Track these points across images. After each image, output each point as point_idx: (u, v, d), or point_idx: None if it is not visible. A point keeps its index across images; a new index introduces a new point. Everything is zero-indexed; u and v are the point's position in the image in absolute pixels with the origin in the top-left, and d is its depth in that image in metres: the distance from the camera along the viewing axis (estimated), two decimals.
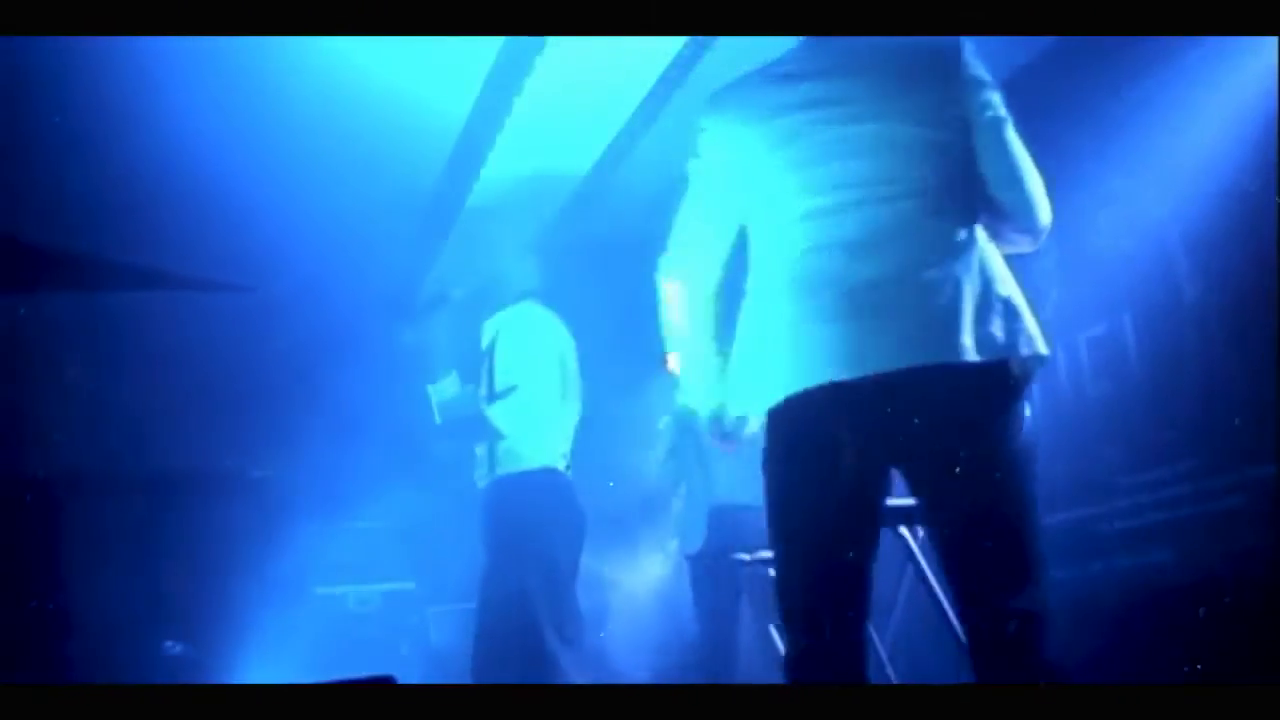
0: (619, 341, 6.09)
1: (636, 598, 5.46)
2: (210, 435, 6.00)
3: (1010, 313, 2.14)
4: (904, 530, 4.27)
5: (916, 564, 4.22)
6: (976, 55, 2.25)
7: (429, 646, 6.10)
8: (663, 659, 5.02)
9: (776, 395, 2.19)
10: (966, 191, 2.21)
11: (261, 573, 5.61)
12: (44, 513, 5.82)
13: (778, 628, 2.33)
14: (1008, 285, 2.18)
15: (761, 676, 4.72)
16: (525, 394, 3.98)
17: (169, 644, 5.73)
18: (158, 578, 5.86)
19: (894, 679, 3.54)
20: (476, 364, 4.20)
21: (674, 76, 4.60)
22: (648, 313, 6.28)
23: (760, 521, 5.27)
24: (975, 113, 2.21)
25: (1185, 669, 3.36)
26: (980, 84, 2.23)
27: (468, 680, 3.98)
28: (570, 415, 4.10)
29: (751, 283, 2.31)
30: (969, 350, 2.06)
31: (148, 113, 4.39)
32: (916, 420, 2.09)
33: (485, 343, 4.16)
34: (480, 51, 4.43)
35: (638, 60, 4.54)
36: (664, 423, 5.24)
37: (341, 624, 6.08)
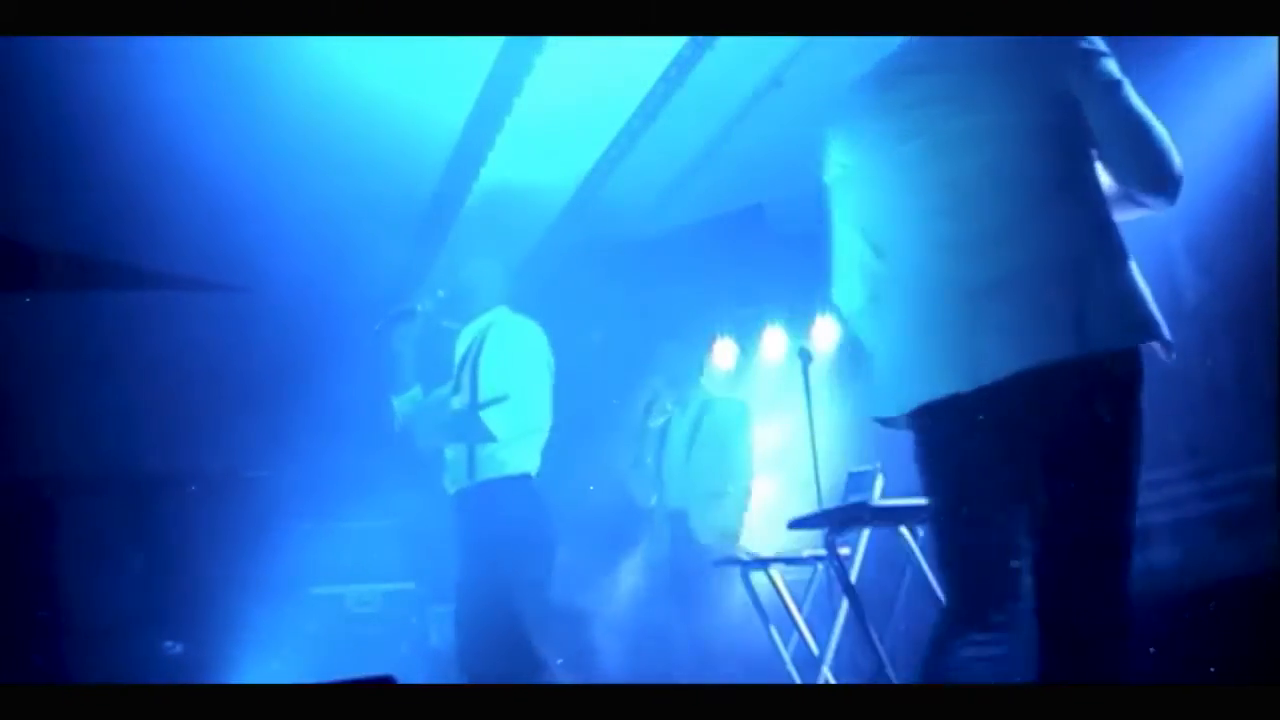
0: (613, 343, 6.10)
1: (624, 599, 5.47)
2: (209, 435, 6.01)
3: (1124, 301, 2.12)
4: (904, 530, 4.27)
5: (916, 564, 4.22)
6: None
7: (429, 646, 6.11)
8: (640, 659, 5.03)
9: (906, 404, 2.23)
10: (1081, 170, 2.19)
11: (262, 573, 5.61)
12: (46, 514, 5.82)
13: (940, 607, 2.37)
14: (1123, 272, 2.14)
15: (737, 676, 4.74)
16: (521, 399, 4.00)
17: (169, 644, 5.74)
18: (158, 578, 5.87)
19: (894, 679, 3.54)
20: (444, 370, 4.20)
21: (674, 76, 4.60)
22: (644, 315, 6.26)
23: (701, 522, 5.24)
24: (1085, 84, 2.17)
25: (1188, 669, 3.36)
26: (1086, 54, 2.18)
27: (467, 680, 3.99)
28: (549, 423, 4.13)
29: (880, 286, 2.32)
30: (1080, 345, 2.06)
31: (143, 114, 4.39)
32: (1031, 422, 2.11)
33: (465, 348, 4.16)
34: (474, 53, 4.43)
35: (638, 60, 4.54)
36: (657, 423, 5.27)
37: (341, 624, 6.08)
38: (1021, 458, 2.18)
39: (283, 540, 5.76)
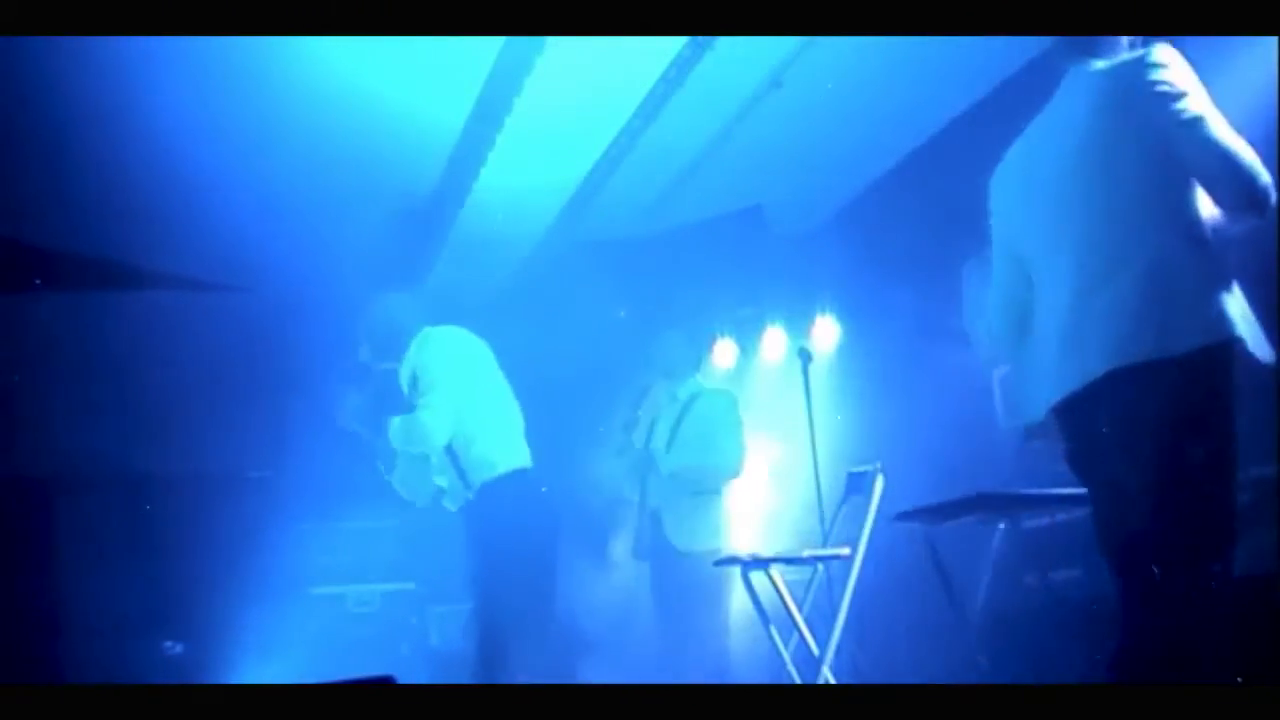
0: (612, 344, 6.10)
1: (621, 597, 5.47)
2: (210, 435, 6.00)
3: (1200, 309, 2.34)
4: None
5: (931, 562, 4.22)
6: (1165, 67, 2.36)
7: (429, 646, 6.11)
8: (639, 659, 5.03)
9: (1039, 410, 2.57)
10: (1171, 195, 2.40)
11: (262, 573, 5.61)
12: (49, 513, 5.82)
13: None
14: (1206, 282, 2.37)
15: (737, 676, 4.75)
16: (485, 402, 4.06)
17: (169, 644, 5.73)
18: (158, 578, 5.87)
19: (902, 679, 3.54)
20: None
21: (674, 76, 4.59)
22: (643, 316, 6.22)
23: (680, 518, 5.22)
24: (1168, 124, 2.35)
25: (1187, 669, 3.35)
26: (1163, 98, 2.35)
27: (467, 680, 4.00)
28: (503, 412, 4.16)
29: (1022, 312, 2.68)
30: (1156, 350, 2.31)
31: (142, 114, 4.38)
32: (1112, 420, 2.37)
33: (406, 378, 4.19)
34: (474, 53, 4.42)
35: (638, 60, 4.53)
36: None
37: (341, 624, 6.08)
38: (1119, 447, 2.41)
39: (283, 540, 5.76)
